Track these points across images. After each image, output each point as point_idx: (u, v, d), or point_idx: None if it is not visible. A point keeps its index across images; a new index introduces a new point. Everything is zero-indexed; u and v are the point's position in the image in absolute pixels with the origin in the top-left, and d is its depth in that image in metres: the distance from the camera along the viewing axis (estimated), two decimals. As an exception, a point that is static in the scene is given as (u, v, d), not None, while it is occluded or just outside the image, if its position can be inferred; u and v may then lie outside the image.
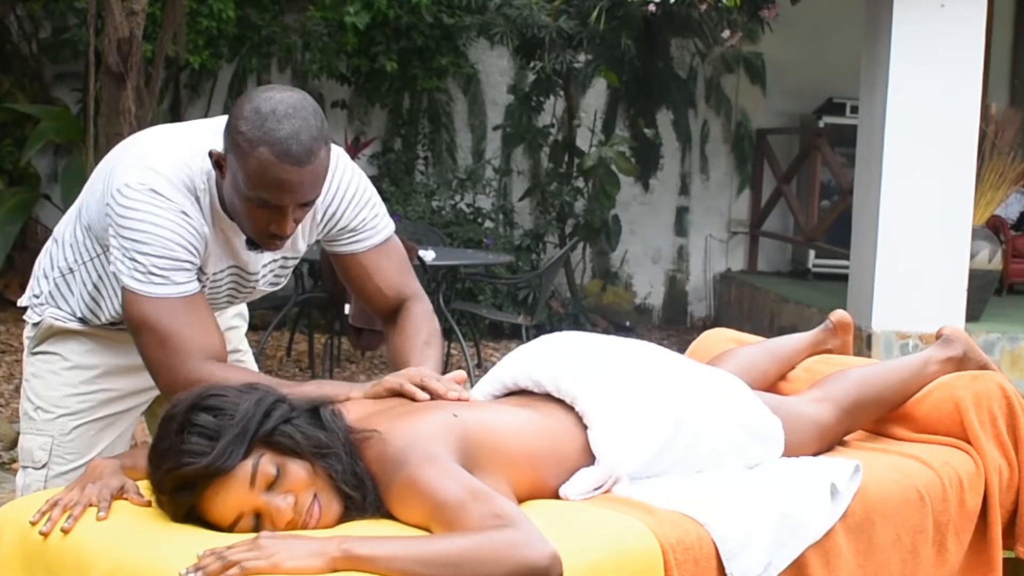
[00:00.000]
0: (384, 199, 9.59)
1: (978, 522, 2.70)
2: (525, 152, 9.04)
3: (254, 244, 2.32)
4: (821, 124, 8.94)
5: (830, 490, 2.35)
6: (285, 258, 2.52)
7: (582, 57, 8.09)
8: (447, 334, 7.06)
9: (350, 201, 2.45)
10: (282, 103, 2.15)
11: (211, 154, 2.24)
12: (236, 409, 1.93)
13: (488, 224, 8.68)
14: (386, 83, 8.44)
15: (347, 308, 6.06)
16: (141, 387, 2.52)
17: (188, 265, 2.25)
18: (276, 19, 8.29)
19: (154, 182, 2.23)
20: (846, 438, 2.82)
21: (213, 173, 2.28)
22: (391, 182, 8.56)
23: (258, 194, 2.17)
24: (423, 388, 2.22)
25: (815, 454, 2.64)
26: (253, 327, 8.01)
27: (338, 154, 2.44)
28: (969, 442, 2.75)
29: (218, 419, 1.92)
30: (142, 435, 4.85)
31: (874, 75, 6.80)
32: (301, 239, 2.47)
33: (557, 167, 8.56)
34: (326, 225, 2.46)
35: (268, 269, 2.50)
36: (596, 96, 9.08)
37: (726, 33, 8.20)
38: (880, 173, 6.65)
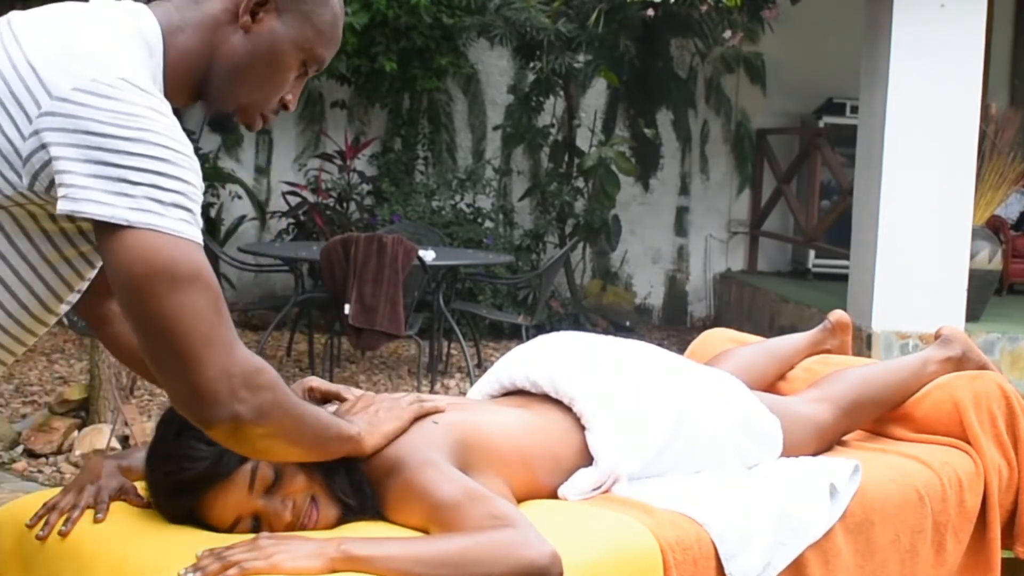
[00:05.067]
0: (384, 199, 9.51)
1: (977, 522, 2.70)
2: (525, 152, 9.04)
3: (222, 125, 1.72)
4: (821, 124, 8.94)
5: (829, 490, 2.35)
6: None
7: (581, 57, 8.09)
8: (447, 334, 7.05)
9: None
10: None
11: None
12: (235, 411, 1.92)
13: (488, 224, 8.67)
14: (386, 83, 8.43)
15: (347, 308, 6.05)
16: None
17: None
18: (276, 19, 8.28)
19: (130, 75, 1.50)
20: (845, 438, 2.82)
21: (159, 45, 1.60)
22: (391, 182, 8.55)
23: (319, 52, 1.71)
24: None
25: (814, 454, 2.64)
26: (253, 327, 8.06)
27: None
28: (968, 442, 2.75)
29: (216, 421, 1.91)
30: (142, 435, 4.85)
31: (874, 75, 6.80)
32: None
33: (557, 167, 8.56)
34: None
35: None
36: (596, 96, 9.08)
37: (727, 33, 8.20)
38: (880, 173, 6.65)
